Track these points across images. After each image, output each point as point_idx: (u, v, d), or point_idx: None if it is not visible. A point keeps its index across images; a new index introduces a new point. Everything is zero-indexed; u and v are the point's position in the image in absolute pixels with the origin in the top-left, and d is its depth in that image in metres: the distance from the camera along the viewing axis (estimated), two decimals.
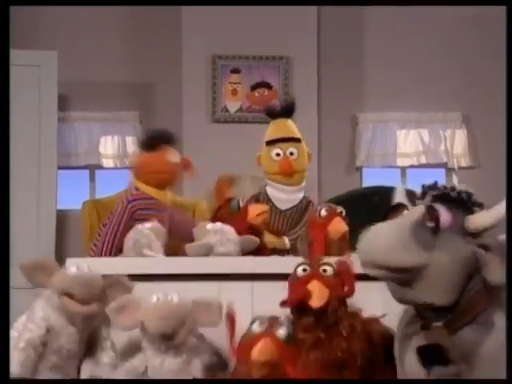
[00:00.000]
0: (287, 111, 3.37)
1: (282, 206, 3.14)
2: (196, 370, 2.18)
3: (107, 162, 5.35)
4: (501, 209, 1.78)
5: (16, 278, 2.35)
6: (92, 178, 5.46)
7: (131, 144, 5.34)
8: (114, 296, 2.28)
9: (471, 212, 1.81)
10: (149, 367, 2.19)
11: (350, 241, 2.82)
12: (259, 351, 2.04)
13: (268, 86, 5.21)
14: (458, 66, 5.40)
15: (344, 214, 2.79)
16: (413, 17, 5.41)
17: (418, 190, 1.92)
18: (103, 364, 2.32)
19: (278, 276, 2.29)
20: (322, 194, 5.10)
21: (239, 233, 2.89)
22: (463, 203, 1.82)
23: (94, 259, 2.98)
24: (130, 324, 2.19)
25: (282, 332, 2.07)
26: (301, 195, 3.28)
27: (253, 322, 2.13)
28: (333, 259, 2.25)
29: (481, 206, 1.83)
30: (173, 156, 3.30)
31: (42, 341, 2.20)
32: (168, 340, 2.14)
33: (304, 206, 3.32)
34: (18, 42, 4.87)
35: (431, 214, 1.76)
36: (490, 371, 1.78)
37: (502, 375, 1.76)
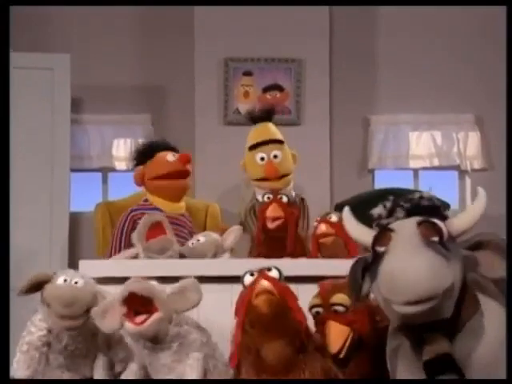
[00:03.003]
0: (267, 115, 3.36)
1: None
2: (193, 361, 2.17)
3: (120, 165, 5.36)
4: (477, 208, 1.78)
5: (23, 279, 2.36)
6: (105, 181, 5.48)
7: None
8: None
9: (444, 217, 1.79)
10: (147, 365, 2.19)
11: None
12: (262, 282, 2.05)
13: (280, 88, 5.21)
14: (470, 67, 5.38)
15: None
16: (425, 18, 5.39)
17: (378, 210, 1.87)
18: (116, 362, 2.33)
19: (293, 278, 2.30)
20: (334, 196, 5.10)
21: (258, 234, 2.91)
22: (434, 209, 1.80)
23: (105, 261, 3.00)
24: (114, 325, 2.18)
25: (273, 273, 2.10)
26: (291, 196, 3.27)
27: (243, 278, 2.13)
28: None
29: (448, 207, 1.82)
30: (170, 156, 3.27)
31: (43, 341, 2.22)
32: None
33: (297, 204, 3.32)
34: (31, 45, 4.91)
35: (431, 228, 1.72)
36: (486, 376, 1.76)
37: (498, 377, 1.75)
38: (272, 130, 3.36)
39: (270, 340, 2.01)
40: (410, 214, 1.81)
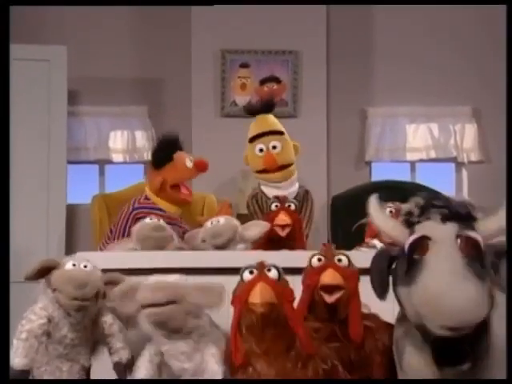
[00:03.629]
0: (265, 107, 3.36)
1: None
2: (211, 354, 2.18)
3: (116, 157, 5.36)
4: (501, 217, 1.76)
5: (20, 271, 2.36)
6: (101, 173, 5.48)
7: (140, 139, 5.35)
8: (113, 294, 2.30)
9: (474, 220, 1.77)
10: (163, 351, 2.20)
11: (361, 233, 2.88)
12: (258, 294, 2.03)
13: (277, 80, 5.20)
14: (467, 59, 5.38)
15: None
16: (422, 11, 5.39)
17: (410, 207, 1.84)
18: (117, 349, 2.33)
19: (286, 270, 2.30)
20: (331, 188, 5.10)
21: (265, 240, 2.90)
22: (470, 217, 1.77)
23: (102, 253, 3.00)
24: (133, 309, 2.19)
25: (273, 273, 2.09)
26: (295, 187, 3.27)
27: (242, 273, 2.13)
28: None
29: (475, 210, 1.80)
30: (188, 161, 3.29)
31: (43, 330, 2.22)
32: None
33: (302, 197, 3.32)
34: (28, 37, 4.89)
35: (470, 244, 1.70)
36: (496, 372, 1.79)
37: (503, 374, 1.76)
38: (271, 121, 3.35)
39: (264, 349, 2.02)
40: (445, 218, 1.78)
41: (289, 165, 3.29)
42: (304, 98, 5.16)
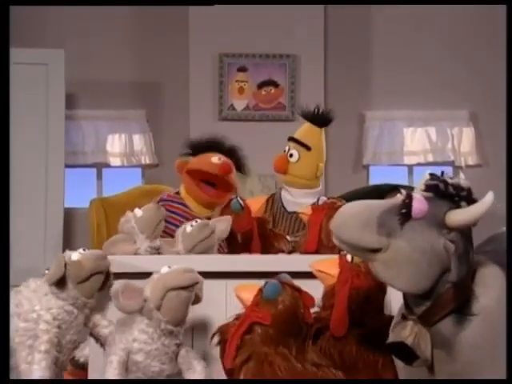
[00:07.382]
0: (314, 118, 3.30)
1: (289, 208, 3.13)
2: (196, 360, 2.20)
3: (114, 161, 5.36)
4: (478, 209, 1.79)
5: (18, 275, 2.36)
6: (99, 177, 5.48)
7: (138, 142, 5.35)
8: None
9: (458, 206, 1.83)
10: (139, 342, 2.19)
11: None
12: None
13: (275, 84, 5.21)
14: (465, 63, 5.39)
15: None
16: (420, 15, 5.40)
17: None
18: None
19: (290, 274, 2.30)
20: (329, 191, 5.10)
21: (244, 231, 2.88)
22: (452, 196, 1.84)
23: None
24: (134, 305, 2.18)
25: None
26: (306, 200, 3.24)
27: None
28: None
29: (471, 201, 1.84)
30: (216, 158, 3.27)
31: (58, 338, 2.22)
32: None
33: None
34: (26, 41, 4.90)
35: (406, 201, 1.80)
36: (472, 358, 1.83)
37: (485, 362, 1.81)
38: (305, 131, 3.31)
39: None
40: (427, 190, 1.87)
41: (296, 176, 3.26)
42: (302, 101, 5.16)
